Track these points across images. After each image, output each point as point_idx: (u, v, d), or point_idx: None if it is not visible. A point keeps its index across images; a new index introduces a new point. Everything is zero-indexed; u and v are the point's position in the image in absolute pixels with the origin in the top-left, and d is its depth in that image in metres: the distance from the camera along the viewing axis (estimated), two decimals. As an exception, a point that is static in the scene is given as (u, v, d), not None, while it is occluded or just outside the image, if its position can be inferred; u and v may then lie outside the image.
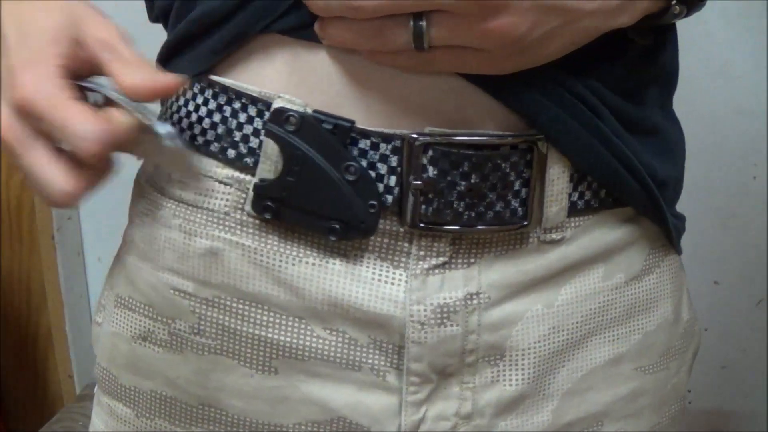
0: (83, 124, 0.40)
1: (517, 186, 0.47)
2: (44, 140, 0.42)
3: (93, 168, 0.43)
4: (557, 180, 0.48)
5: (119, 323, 0.53)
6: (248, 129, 0.47)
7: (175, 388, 0.51)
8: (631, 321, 0.53)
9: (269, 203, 0.46)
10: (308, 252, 0.47)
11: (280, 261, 0.48)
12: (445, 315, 0.47)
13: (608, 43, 0.46)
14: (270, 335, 0.49)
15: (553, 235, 0.49)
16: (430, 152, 0.45)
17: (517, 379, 0.50)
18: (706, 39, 1.17)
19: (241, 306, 0.49)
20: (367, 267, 0.47)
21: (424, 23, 0.41)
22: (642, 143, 0.50)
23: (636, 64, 0.49)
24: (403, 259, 0.47)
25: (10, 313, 1.43)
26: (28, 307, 1.44)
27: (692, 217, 1.05)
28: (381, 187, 0.46)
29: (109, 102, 0.44)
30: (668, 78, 0.54)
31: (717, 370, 1.36)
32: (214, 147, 0.48)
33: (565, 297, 0.50)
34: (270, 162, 0.46)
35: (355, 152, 0.45)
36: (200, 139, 0.48)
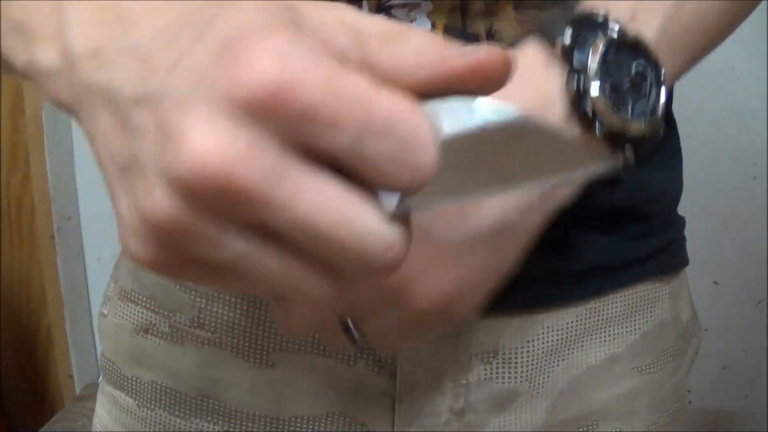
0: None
1: None
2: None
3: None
4: None
5: (123, 315, 0.53)
6: None
7: (175, 379, 0.51)
8: (629, 321, 0.53)
9: None
10: None
11: None
12: None
13: None
14: (267, 329, 0.49)
15: None
16: None
17: (510, 377, 0.50)
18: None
19: (239, 300, 0.49)
20: None
21: (351, 327, 0.40)
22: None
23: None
24: None
25: (10, 313, 1.43)
26: (28, 307, 1.44)
27: (692, 218, 1.05)
28: None
29: None
30: None
31: (717, 370, 1.36)
32: None
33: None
34: None
35: None
36: None
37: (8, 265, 1.42)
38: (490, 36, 0.43)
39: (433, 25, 0.43)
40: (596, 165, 0.26)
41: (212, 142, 0.23)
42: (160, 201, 0.24)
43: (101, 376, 0.57)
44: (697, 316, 0.60)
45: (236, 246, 0.25)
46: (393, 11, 0.43)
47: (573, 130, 0.30)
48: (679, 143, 0.56)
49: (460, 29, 0.43)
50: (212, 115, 0.23)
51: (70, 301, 1.44)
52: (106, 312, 0.56)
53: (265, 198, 0.23)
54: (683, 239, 0.57)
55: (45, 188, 1.39)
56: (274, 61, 0.22)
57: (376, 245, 0.25)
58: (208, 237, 0.24)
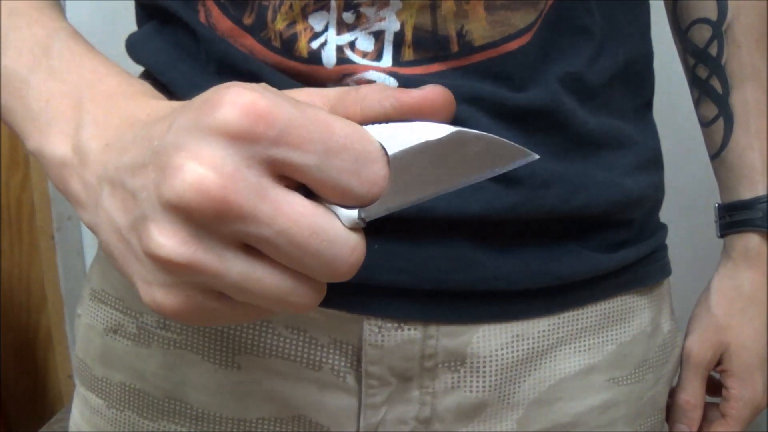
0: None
1: None
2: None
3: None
4: None
5: (93, 316, 0.53)
6: None
7: (143, 381, 0.51)
8: (605, 331, 0.52)
9: None
10: None
11: None
12: (402, 319, 0.46)
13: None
14: (233, 331, 0.48)
15: None
16: None
17: (477, 386, 0.49)
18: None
19: None
20: None
21: None
22: (612, 160, 0.49)
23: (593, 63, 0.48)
24: None
25: (10, 313, 1.43)
26: (28, 307, 1.44)
27: (692, 218, 1.05)
28: None
29: None
30: (634, 74, 0.52)
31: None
32: None
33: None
34: None
35: None
36: None
37: (8, 265, 1.42)
38: (461, 36, 0.43)
39: (403, 25, 0.42)
40: (517, 160, 0.33)
41: (205, 170, 0.28)
42: (166, 234, 0.29)
43: (75, 377, 0.56)
44: (678, 327, 0.59)
45: (236, 267, 0.30)
46: (362, 8, 0.43)
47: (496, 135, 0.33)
48: (659, 149, 0.55)
49: (430, 30, 0.43)
50: (200, 149, 0.28)
51: (70, 301, 1.44)
52: (80, 312, 0.56)
53: (253, 213, 0.28)
54: (664, 248, 0.57)
55: (45, 188, 1.39)
56: (250, 99, 0.28)
57: (343, 249, 0.30)
58: (212, 263, 0.29)
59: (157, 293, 0.31)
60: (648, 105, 0.56)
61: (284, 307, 0.32)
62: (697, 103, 0.61)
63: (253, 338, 0.48)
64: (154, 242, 0.30)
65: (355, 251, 0.31)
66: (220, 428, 0.50)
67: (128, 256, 0.32)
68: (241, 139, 0.28)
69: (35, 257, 1.41)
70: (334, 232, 0.30)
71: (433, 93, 0.33)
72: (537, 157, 0.33)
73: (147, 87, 0.39)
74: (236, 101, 0.28)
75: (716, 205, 0.62)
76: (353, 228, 0.31)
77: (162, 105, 0.35)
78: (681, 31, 0.61)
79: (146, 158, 0.31)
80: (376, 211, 0.31)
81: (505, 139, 0.33)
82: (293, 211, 0.29)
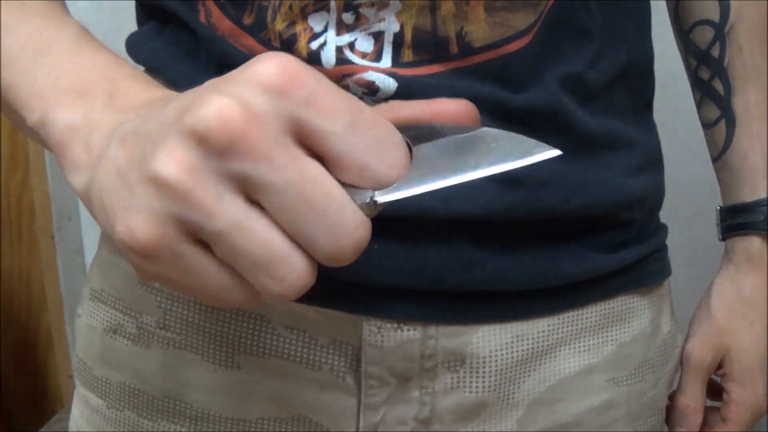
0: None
1: None
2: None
3: None
4: None
5: (93, 316, 0.53)
6: None
7: (142, 381, 0.51)
8: (605, 331, 0.52)
9: None
10: None
11: None
12: (402, 319, 0.47)
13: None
14: (232, 331, 0.48)
15: None
16: None
17: (477, 387, 0.49)
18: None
19: (204, 301, 0.49)
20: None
21: None
22: (611, 161, 0.49)
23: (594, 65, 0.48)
24: None
25: (10, 313, 1.43)
26: (28, 307, 1.44)
27: (692, 217, 1.05)
28: None
29: None
30: (635, 75, 0.52)
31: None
32: None
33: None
34: None
35: None
36: None
37: (8, 265, 1.42)
38: (460, 37, 0.43)
39: (402, 27, 0.42)
40: (539, 155, 0.32)
41: (233, 102, 0.27)
42: (175, 157, 0.28)
43: (75, 377, 0.56)
44: (679, 328, 0.59)
45: (231, 211, 0.28)
46: (361, 9, 0.42)
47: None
48: (659, 149, 0.55)
49: (429, 31, 0.43)
50: (235, 89, 0.28)
51: (70, 301, 1.44)
52: (80, 312, 0.56)
53: (269, 155, 0.27)
54: (665, 248, 0.56)
55: (45, 188, 1.38)
56: (288, 60, 0.28)
57: (349, 221, 0.29)
58: (209, 198, 0.28)
59: (134, 219, 0.29)
60: (648, 106, 0.55)
61: (266, 282, 0.29)
62: (699, 105, 0.61)
63: (253, 338, 0.48)
64: (159, 162, 0.28)
65: (359, 229, 0.29)
66: (220, 428, 0.50)
67: (118, 192, 0.30)
68: (274, 90, 0.28)
69: (35, 257, 1.41)
70: (343, 201, 0.29)
71: (459, 105, 0.33)
72: (558, 152, 0.32)
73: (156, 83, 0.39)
74: (275, 60, 0.28)
75: (718, 207, 0.62)
76: (370, 213, 0.30)
77: (179, 93, 0.34)
78: (683, 32, 0.61)
79: (168, 106, 0.30)
80: (390, 195, 0.30)
81: (527, 137, 0.33)
82: (308, 168, 0.28)
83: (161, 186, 0.28)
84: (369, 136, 0.29)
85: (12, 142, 1.37)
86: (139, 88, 0.36)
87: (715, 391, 0.61)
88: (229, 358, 0.49)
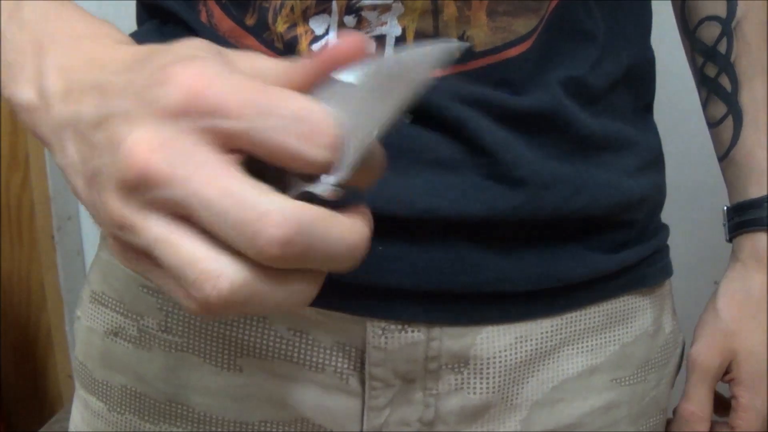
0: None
1: None
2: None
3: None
4: None
5: (93, 318, 0.53)
6: None
7: (144, 383, 0.51)
8: (607, 331, 0.51)
9: None
10: None
11: None
12: (406, 321, 0.46)
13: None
14: (234, 334, 0.48)
15: None
16: None
17: (481, 388, 0.49)
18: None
19: None
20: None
21: None
22: (613, 162, 0.49)
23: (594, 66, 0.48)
24: None
25: (10, 313, 1.43)
26: (28, 307, 1.44)
27: (692, 217, 1.05)
28: None
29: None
30: (636, 77, 0.52)
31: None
32: None
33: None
34: None
35: None
36: None
37: (8, 265, 1.42)
38: (462, 41, 0.43)
39: (404, 30, 0.42)
40: (446, 56, 0.31)
41: (139, 141, 0.29)
42: (111, 204, 0.30)
43: (75, 380, 0.56)
44: (680, 327, 0.58)
45: (153, 228, 0.29)
46: (363, 12, 0.42)
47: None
48: (660, 150, 0.55)
49: (431, 35, 0.43)
50: (142, 122, 0.29)
51: (70, 301, 1.44)
52: (79, 314, 0.55)
53: (170, 177, 0.28)
54: (666, 249, 0.56)
55: (45, 188, 1.38)
56: (190, 78, 0.29)
57: (263, 219, 0.28)
58: (135, 224, 0.30)
59: (109, 241, 0.33)
60: (648, 107, 0.56)
61: (197, 291, 0.29)
62: (705, 104, 0.61)
63: (255, 340, 0.48)
64: (102, 209, 0.31)
65: (282, 227, 0.28)
66: (222, 431, 0.50)
67: (87, 203, 0.33)
68: (178, 115, 0.29)
69: (35, 257, 1.41)
70: (253, 199, 0.28)
71: (351, 42, 0.31)
72: (466, 45, 0.33)
73: (114, 30, 0.38)
74: (176, 80, 0.29)
75: (724, 208, 0.61)
76: (335, 197, 0.30)
77: (125, 51, 0.35)
78: (689, 30, 0.61)
79: (99, 116, 0.32)
80: (340, 173, 0.30)
81: (423, 47, 0.31)
82: (212, 173, 0.28)
83: (112, 226, 0.31)
84: (281, 118, 0.29)
85: (12, 142, 1.37)
86: (86, 46, 0.36)
87: (723, 406, 0.59)
88: (232, 360, 0.48)
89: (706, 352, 0.57)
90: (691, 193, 1.05)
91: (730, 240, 0.60)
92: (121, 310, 0.51)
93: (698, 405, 0.56)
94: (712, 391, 0.57)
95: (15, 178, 1.38)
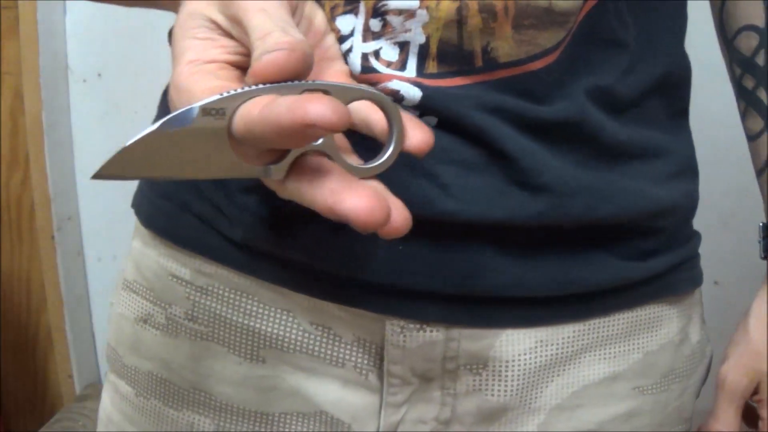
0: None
1: None
2: None
3: None
4: None
5: (125, 305, 0.54)
6: None
7: (169, 370, 0.52)
8: (631, 339, 0.51)
9: None
10: None
11: None
12: (425, 321, 0.47)
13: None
14: (258, 325, 0.49)
15: None
16: None
17: (499, 390, 0.49)
18: (706, 39, 1.17)
19: (232, 295, 0.49)
20: None
21: None
22: (641, 170, 0.48)
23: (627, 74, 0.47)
24: None
25: (10, 313, 1.43)
26: (28, 307, 1.44)
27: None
28: None
29: None
30: (671, 85, 0.51)
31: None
32: None
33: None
34: None
35: None
36: None
37: (8, 265, 1.42)
38: (486, 52, 0.43)
39: (428, 39, 0.42)
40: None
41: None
42: None
43: (107, 365, 0.58)
44: (708, 337, 0.57)
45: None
46: (388, 17, 0.42)
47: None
48: (693, 157, 0.54)
49: (455, 44, 0.42)
50: None
51: (70, 301, 1.44)
52: (113, 302, 0.57)
53: None
54: (696, 257, 0.55)
55: (45, 188, 1.38)
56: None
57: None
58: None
59: None
60: (683, 112, 0.54)
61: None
62: (743, 116, 0.58)
63: (279, 333, 0.48)
64: None
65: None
66: (243, 422, 0.51)
67: None
68: None
69: (35, 257, 1.41)
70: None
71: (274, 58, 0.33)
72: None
73: None
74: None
75: (761, 224, 0.59)
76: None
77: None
78: (727, 40, 0.59)
79: None
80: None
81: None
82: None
83: None
84: None
85: (12, 142, 1.37)
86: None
87: (752, 417, 0.58)
88: (255, 351, 0.49)
89: (734, 372, 0.56)
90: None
91: (765, 257, 0.59)
92: (151, 298, 0.52)
93: (726, 424, 0.55)
94: (739, 410, 0.56)
95: (15, 178, 1.38)
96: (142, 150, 0.33)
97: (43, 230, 1.40)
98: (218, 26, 0.36)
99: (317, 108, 0.29)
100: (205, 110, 0.32)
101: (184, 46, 0.36)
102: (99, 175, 0.33)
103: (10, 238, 1.41)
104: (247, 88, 0.32)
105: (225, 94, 0.32)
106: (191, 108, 0.32)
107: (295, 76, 0.33)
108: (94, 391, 1.45)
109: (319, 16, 0.42)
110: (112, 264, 1.46)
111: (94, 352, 1.52)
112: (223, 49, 0.36)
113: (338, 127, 0.29)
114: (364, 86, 0.35)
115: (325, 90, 0.33)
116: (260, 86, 0.33)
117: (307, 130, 0.29)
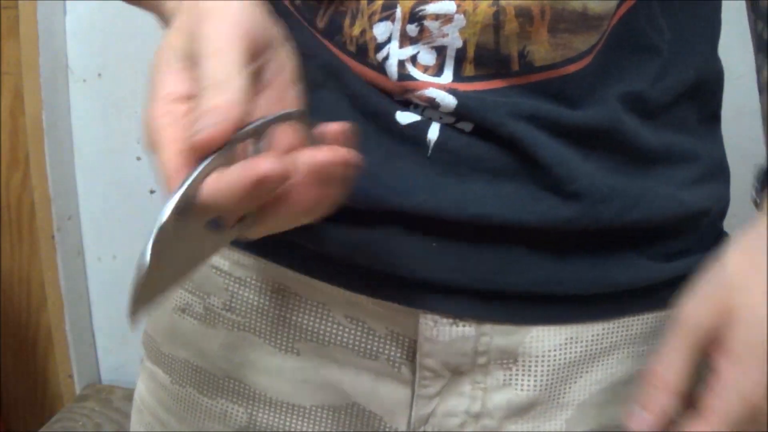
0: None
1: None
2: None
3: None
4: None
5: None
6: None
7: (205, 359, 0.53)
8: (660, 338, 0.49)
9: None
10: None
11: None
12: (457, 315, 0.47)
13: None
14: (294, 317, 0.50)
15: None
16: None
17: (529, 385, 0.49)
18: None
19: (269, 287, 0.50)
20: None
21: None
22: (671, 175, 0.49)
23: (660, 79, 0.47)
24: None
25: (10, 313, 1.43)
26: (28, 307, 1.44)
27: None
28: None
29: None
30: (703, 90, 0.51)
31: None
32: None
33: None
34: None
35: None
36: None
37: (8, 265, 1.42)
38: (522, 56, 0.43)
39: (465, 43, 0.43)
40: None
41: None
42: None
43: (143, 353, 0.59)
44: None
45: None
46: (425, 22, 0.43)
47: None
48: (724, 160, 0.54)
49: (492, 49, 0.43)
50: None
51: (70, 301, 1.44)
52: None
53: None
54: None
55: (45, 188, 1.38)
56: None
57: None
58: None
59: None
60: (714, 116, 0.54)
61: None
62: (759, 70, 0.54)
63: (314, 325, 0.49)
64: None
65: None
66: (276, 412, 0.51)
67: None
68: None
69: (35, 257, 1.41)
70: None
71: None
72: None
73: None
74: None
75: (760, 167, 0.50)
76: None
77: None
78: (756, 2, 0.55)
79: None
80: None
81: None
82: None
83: None
84: None
85: (12, 142, 1.37)
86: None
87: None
88: (290, 343, 0.50)
89: (695, 304, 0.43)
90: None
91: (754, 201, 0.50)
92: (190, 288, 0.53)
93: (668, 367, 0.42)
94: (692, 356, 0.42)
95: (15, 178, 1.38)
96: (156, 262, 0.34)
97: (43, 230, 1.40)
98: (189, 58, 0.38)
99: (264, 164, 0.33)
100: (177, 209, 0.34)
101: (158, 79, 0.38)
102: (135, 313, 0.35)
103: (10, 238, 1.41)
104: (195, 172, 0.35)
105: (184, 185, 0.34)
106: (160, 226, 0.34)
107: (227, 139, 0.35)
108: (93, 391, 1.46)
109: (289, 68, 0.41)
110: (112, 264, 1.46)
111: (94, 352, 1.52)
112: (194, 82, 0.37)
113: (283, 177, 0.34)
114: (269, 115, 0.38)
115: (255, 129, 0.36)
116: (203, 164, 0.35)
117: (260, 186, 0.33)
